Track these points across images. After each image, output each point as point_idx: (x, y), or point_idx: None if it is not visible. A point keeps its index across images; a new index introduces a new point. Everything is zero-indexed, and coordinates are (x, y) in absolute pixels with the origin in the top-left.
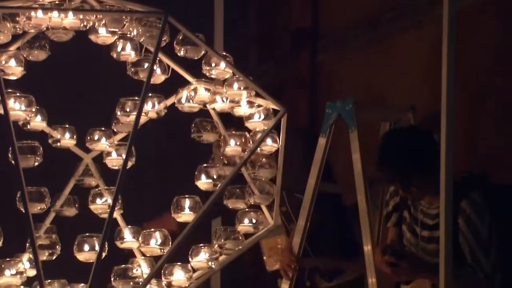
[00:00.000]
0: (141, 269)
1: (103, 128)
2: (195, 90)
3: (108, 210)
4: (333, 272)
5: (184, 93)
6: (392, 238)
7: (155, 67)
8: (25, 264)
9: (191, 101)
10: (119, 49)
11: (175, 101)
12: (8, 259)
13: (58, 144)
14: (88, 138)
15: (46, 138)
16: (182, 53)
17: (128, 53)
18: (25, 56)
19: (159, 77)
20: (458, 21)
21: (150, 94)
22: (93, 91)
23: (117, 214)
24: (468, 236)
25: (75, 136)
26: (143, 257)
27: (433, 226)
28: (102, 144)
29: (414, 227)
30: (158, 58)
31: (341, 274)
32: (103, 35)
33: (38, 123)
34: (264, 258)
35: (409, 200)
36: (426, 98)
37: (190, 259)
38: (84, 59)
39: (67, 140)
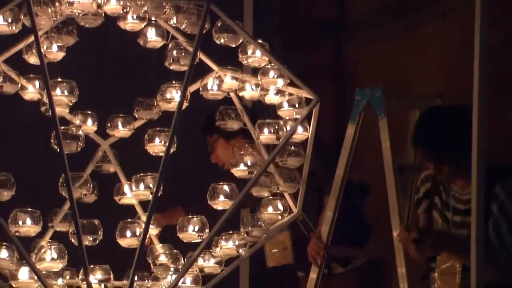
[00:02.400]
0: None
1: (121, 115)
2: (219, 78)
3: (151, 196)
4: (348, 257)
5: (209, 81)
6: (422, 224)
7: (182, 54)
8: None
9: (215, 88)
10: (146, 36)
11: (200, 88)
12: (49, 243)
13: (78, 131)
14: (109, 124)
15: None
16: (222, 41)
17: (156, 40)
18: (53, 42)
19: (180, 65)
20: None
21: (173, 82)
22: (113, 78)
23: (136, 202)
24: (500, 221)
25: (96, 123)
26: (161, 245)
27: (465, 211)
28: (122, 130)
29: (445, 213)
30: (183, 46)
31: (355, 259)
32: (131, 22)
33: (60, 109)
34: (266, 254)
35: (440, 185)
36: (453, 86)
37: (219, 246)
38: (105, 46)
39: (88, 126)
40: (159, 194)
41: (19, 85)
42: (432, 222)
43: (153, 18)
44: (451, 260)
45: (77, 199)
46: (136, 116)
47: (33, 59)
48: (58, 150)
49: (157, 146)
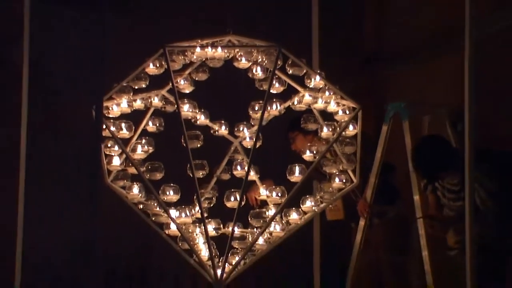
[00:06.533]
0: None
1: (244, 122)
2: (303, 96)
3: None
4: (382, 212)
5: (295, 98)
6: (433, 200)
7: (274, 82)
8: (194, 210)
9: (301, 103)
10: (253, 71)
11: (290, 104)
12: (183, 206)
13: (217, 133)
14: (236, 129)
15: (209, 129)
16: (290, 72)
17: (259, 73)
18: (193, 77)
19: (278, 88)
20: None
21: (274, 100)
22: (237, 97)
23: (256, 178)
24: (481, 193)
25: (227, 128)
26: (275, 204)
27: (457, 191)
28: (245, 132)
29: (445, 193)
30: (277, 75)
31: (386, 213)
32: (242, 62)
33: (203, 120)
34: (326, 211)
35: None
36: (456, 102)
37: (301, 205)
38: (231, 79)
39: (222, 130)
40: (250, 174)
41: (176, 106)
42: (439, 198)
43: (259, 59)
44: None
45: (218, 177)
46: (252, 123)
47: (187, 90)
48: (185, 145)
49: (249, 142)
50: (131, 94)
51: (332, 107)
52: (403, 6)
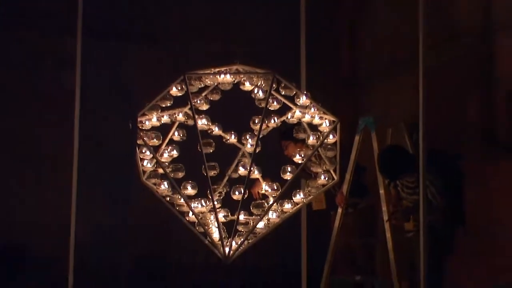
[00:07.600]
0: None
1: (250, 133)
2: (294, 111)
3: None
4: (355, 203)
5: (289, 114)
6: (394, 194)
7: (272, 101)
8: (208, 202)
9: (293, 117)
10: (255, 92)
11: (285, 118)
12: (200, 198)
13: (228, 141)
14: (243, 138)
15: (222, 138)
16: (283, 92)
17: (259, 95)
18: (209, 98)
19: (276, 106)
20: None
21: (272, 115)
22: (242, 113)
23: (259, 176)
24: (432, 188)
25: (236, 137)
26: (272, 196)
27: (413, 187)
28: (249, 141)
29: (403, 188)
30: (273, 96)
31: (358, 204)
32: (246, 86)
33: (217, 131)
34: (312, 203)
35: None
36: (412, 115)
37: (293, 197)
38: (236, 99)
39: (232, 139)
40: (253, 173)
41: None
42: (399, 192)
43: (259, 83)
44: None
45: (230, 176)
46: (255, 133)
47: (204, 108)
48: (200, 150)
49: (251, 148)
50: (160, 111)
51: (316, 120)
52: (370, 41)
